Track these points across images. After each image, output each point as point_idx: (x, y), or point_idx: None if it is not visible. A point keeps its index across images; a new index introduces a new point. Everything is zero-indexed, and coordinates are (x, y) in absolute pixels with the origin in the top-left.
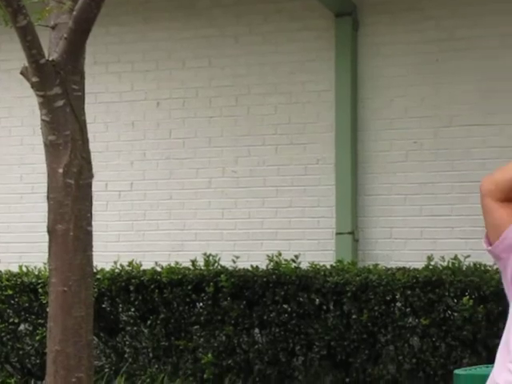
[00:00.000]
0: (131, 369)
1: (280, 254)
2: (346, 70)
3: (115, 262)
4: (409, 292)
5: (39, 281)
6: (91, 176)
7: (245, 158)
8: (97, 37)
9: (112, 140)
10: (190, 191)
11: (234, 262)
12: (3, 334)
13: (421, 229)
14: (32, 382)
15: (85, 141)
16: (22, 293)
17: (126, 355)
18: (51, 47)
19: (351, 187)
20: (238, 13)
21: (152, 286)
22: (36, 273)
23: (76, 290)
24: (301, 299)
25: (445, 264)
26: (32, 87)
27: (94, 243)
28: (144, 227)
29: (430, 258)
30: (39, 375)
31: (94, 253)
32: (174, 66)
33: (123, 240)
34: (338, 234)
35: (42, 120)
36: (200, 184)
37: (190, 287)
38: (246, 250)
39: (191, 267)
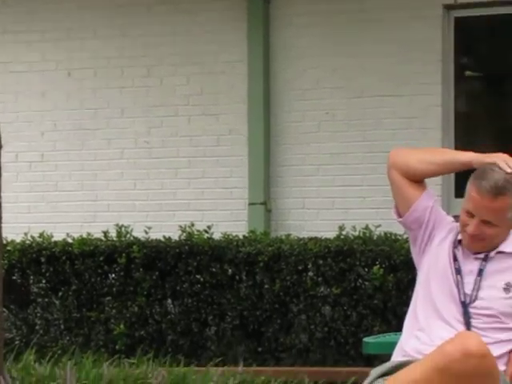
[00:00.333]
0: (42, 341)
1: (193, 225)
2: (259, 41)
3: (26, 234)
4: (320, 261)
5: None
6: (0, 146)
7: (157, 129)
8: (5, 5)
9: (22, 110)
10: (102, 162)
11: (147, 232)
12: None
13: (333, 199)
14: None
15: None
16: None
17: (37, 327)
18: None
19: (264, 158)
20: None
21: (63, 258)
22: None
23: None
24: (213, 269)
25: (356, 234)
26: None
27: (3, 215)
28: (55, 198)
29: (341, 228)
30: None
31: (3, 224)
32: (85, 36)
33: (34, 211)
34: (250, 204)
35: None
36: (112, 155)
37: (101, 258)
38: (158, 220)
39: (103, 238)
